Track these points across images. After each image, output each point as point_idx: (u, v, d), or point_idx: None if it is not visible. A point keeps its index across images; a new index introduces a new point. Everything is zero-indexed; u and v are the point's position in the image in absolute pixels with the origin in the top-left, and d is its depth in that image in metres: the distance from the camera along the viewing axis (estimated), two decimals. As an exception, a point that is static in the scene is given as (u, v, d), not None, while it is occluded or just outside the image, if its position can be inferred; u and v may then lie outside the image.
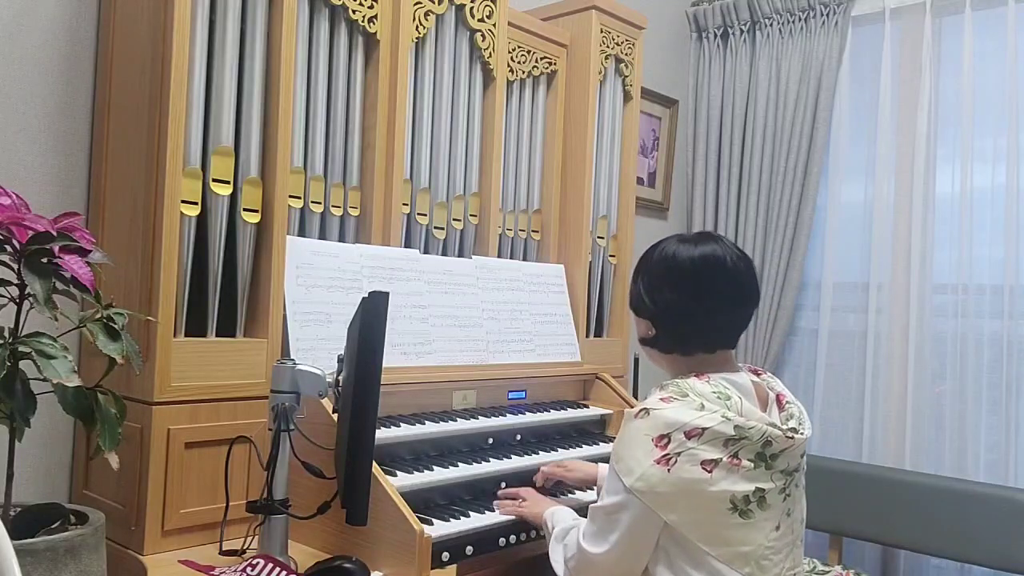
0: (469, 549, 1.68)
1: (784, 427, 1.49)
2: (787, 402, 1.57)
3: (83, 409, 1.32)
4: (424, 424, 1.92)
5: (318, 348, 1.83)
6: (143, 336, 1.61)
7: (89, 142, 1.84)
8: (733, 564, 1.42)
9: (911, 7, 3.02)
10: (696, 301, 1.52)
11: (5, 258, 1.29)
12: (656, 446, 1.42)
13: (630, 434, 1.47)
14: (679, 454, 1.41)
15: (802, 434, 1.51)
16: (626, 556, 1.49)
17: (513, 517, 1.78)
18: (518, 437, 2.14)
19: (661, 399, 1.46)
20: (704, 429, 1.41)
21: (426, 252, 2.19)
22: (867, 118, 3.14)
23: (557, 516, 1.69)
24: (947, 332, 2.92)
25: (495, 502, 1.84)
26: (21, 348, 1.26)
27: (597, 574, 1.53)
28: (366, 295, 1.45)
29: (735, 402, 1.46)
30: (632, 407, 2.36)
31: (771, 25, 3.29)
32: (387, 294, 1.46)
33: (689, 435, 1.41)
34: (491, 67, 2.32)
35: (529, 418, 2.16)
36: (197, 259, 1.70)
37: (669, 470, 1.41)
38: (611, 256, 2.70)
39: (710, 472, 1.41)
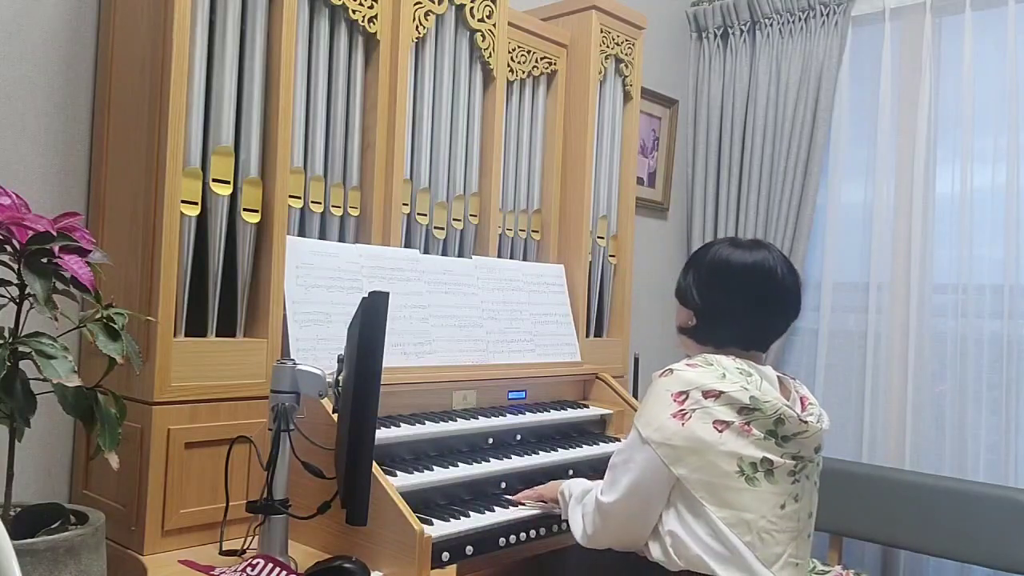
0: (469, 549, 1.68)
1: (801, 415, 1.54)
2: (810, 403, 1.62)
3: (83, 409, 1.32)
4: (424, 424, 1.92)
5: (318, 348, 1.83)
6: (143, 336, 1.61)
7: (89, 142, 1.84)
8: (735, 529, 1.47)
9: (911, 7, 3.02)
10: (742, 304, 1.62)
11: (5, 258, 1.29)
12: (674, 401, 1.51)
13: (653, 390, 1.56)
14: (694, 410, 1.49)
15: (817, 424, 1.56)
16: (636, 506, 1.55)
17: (524, 514, 1.79)
18: (518, 437, 2.14)
19: (687, 364, 1.57)
20: (722, 392, 1.49)
21: (426, 252, 2.19)
22: (867, 118, 3.14)
23: (572, 485, 1.75)
24: (947, 332, 2.92)
25: (516, 496, 1.87)
26: (21, 348, 1.26)
27: (610, 525, 1.59)
28: (366, 295, 1.45)
29: (755, 379, 1.53)
30: (633, 407, 2.39)
31: (771, 25, 3.29)
32: (387, 294, 1.46)
33: (706, 395, 1.50)
34: (491, 67, 2.32)
35: (529, 418, 2.16)
36: (197, 259, 1.70)
37: (683, 424, 1.49)
38: (611, 256, 2.70)
39: (721, 432, 1.48)
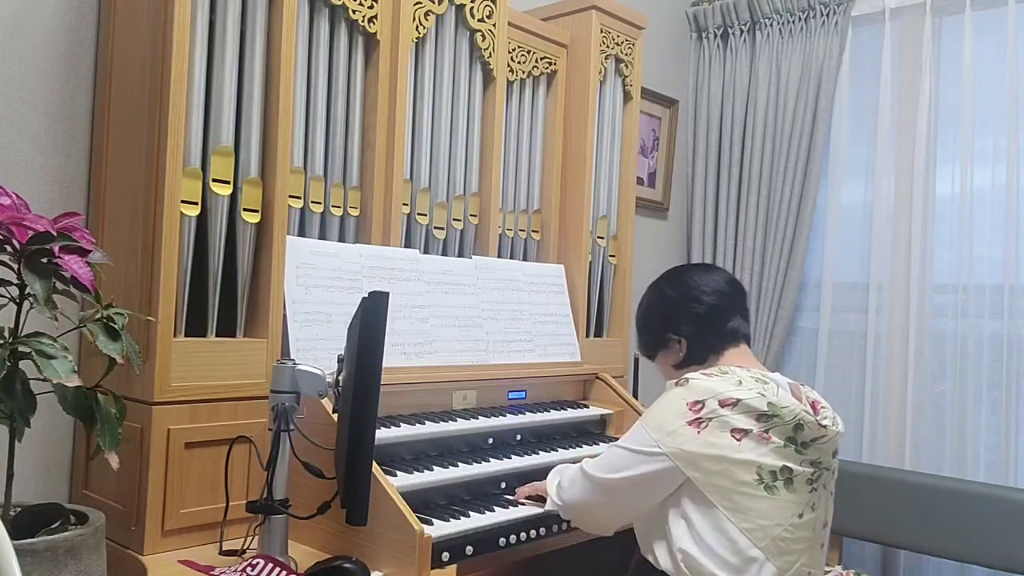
0: (469, 549, 1.68)
1: (819, 420, 1.55)
2: (822, 407, 1.62)
3: (83, 409, 1.32)
4: (424, 424, 1.92)
5: (318, 348, 1.83)
6: (143, 336, 1.61)
7: (89, 142, 1.84)
8: (752, 534, 1.47)
9: (911, 7, 3.02)
10: (713, 302, 1.69)
11: (5, 258, 1.29)
12: (690, 410, 1.51)
13: (667, 398, 1.57)
14: (711, 419, 1.50)
15: (834, 427, 1.56)
16: (622, 496, 1.56)
17: (524, 514, 1.79)
18: (518, 437, 2.14)
19: (703, 373, 1.58)
20: (739, 400, 1.50)
21: (426, 252, 2.19)
22: (867, 118, 3.14)
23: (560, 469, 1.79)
24: (947, 332, 2.92)
25: (515, 496, 1.88)
26: (21, 348, 1.26)
27: (584, 496, 1.62)
28: (366, 295, 1.45)
29: (771, 387, 1.54)
30: (632, 407, 2.39)
31: (771, 25, 3.29)
32: (387, 294, 1.46)
33: (723, 403, 1.50)
34: (491, 67, 2.32)
35: (529, 418, 2.16)
36: (197, 259, 1.70)
37: (699, 432, 1.49)
38: (611, 256, 2.70)
39: (739, 440, 1.48)
